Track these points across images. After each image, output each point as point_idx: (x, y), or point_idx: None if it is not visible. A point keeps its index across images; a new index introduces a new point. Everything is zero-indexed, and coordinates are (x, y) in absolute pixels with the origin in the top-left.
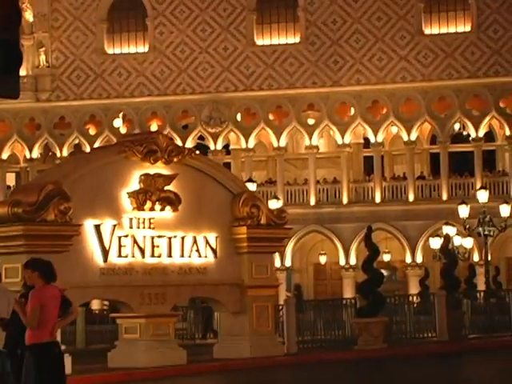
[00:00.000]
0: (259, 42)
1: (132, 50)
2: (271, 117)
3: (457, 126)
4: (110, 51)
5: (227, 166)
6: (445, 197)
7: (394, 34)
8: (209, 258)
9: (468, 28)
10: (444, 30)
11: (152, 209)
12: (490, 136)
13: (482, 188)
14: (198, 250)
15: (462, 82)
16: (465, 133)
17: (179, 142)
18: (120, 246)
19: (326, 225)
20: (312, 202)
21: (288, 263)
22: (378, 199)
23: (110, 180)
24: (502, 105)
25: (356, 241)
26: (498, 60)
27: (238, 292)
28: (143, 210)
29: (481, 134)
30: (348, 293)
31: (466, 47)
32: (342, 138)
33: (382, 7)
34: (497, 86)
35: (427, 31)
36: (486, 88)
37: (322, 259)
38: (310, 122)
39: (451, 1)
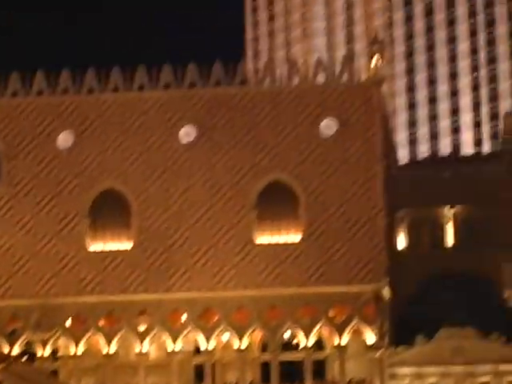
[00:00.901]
0: (92, 247)
1: None
2: (102, 323)
3: (287, 334)
4: None
5: (55, 373)
6: None
7: (227, 242)
8: None
9: (298, 237)
10: (276, 239)
11: None
12: (319, 344)
13: None
14: None
15: (293, 291)
16: (295, 341)
17: (6, 348)
18: None
19: None
20: None
21: None
22: None
23: None
24: (331, 314)
25: None
26: (327, 269)
27: None
28: None
29: (311, 342)
30: None
31: (297, 256)
32: (174, 344)
33: (215, 214)
34: (326, 295)
35: (259, 239)
36: (316, 297)
37: None
38: (142, 328)
39: (283, 211)
